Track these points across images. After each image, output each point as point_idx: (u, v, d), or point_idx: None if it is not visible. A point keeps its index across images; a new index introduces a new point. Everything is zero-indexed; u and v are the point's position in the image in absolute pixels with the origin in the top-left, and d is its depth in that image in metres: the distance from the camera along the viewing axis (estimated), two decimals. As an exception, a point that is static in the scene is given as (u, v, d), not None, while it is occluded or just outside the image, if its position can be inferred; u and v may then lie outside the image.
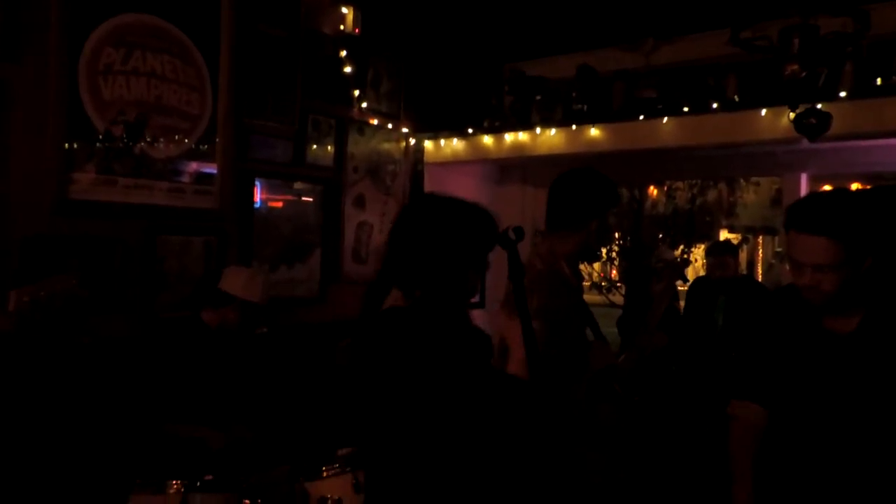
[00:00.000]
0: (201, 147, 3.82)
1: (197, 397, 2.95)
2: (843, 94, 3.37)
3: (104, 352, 3.17)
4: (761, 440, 1.97)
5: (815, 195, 1.92)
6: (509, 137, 4.72)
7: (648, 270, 7.73)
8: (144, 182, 3.53)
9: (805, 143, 3.51)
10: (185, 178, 3.74)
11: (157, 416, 2.87)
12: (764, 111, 3.65)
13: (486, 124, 4.84)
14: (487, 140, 4.83)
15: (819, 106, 3.37)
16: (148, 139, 3.54)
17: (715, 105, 3.81)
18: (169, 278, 3.62)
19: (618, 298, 10.05)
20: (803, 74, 3.29)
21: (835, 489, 1.84)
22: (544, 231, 2.49)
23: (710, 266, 4.88)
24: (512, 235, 1.56)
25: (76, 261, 3.18)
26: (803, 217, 1.79)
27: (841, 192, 1.97)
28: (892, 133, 3.60)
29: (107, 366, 3.15)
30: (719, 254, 4.83)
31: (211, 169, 3.85)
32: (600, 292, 10.91)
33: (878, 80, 3.33)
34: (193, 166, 3.79)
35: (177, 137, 3.69)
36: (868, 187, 5.04)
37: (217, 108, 3.84)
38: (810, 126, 3.23)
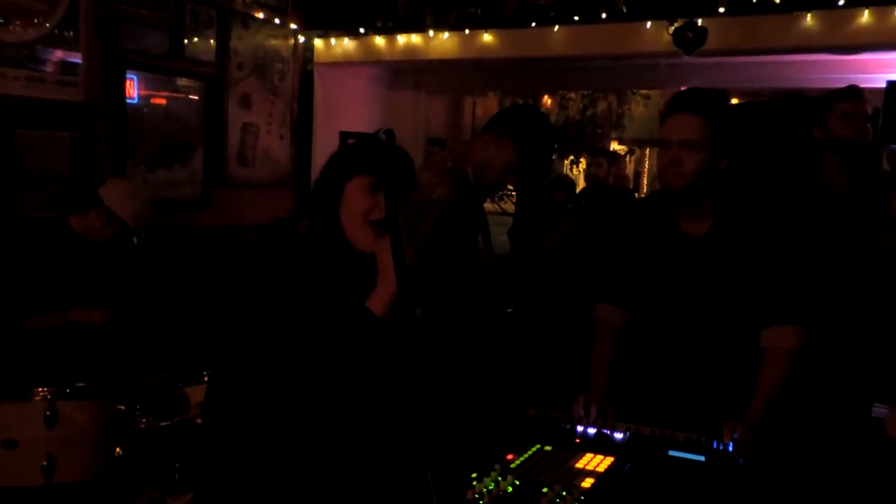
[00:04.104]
0: (65, 33, 3.50)
1: (65, 301, 2.80)
2: (721, 9, 3.47)
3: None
4: (623, 335, 2.14)
5: (692, 88, 2.04)
6: (402, 39, 4.59)
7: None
8: (-4, 69, 3.22)
9: (686, 57, 3.61)
10: (47, 67, 3.44)
11: (16, 316, 2.70)
12: (649, 24, 3.72)
13: (378, 24, 4.67)
14: (379, 41, 4.67)
15: (699, 22, 3.45)
16: (0, 19, 3.20)
17: (604, 15, 3.84)
18: (31, 176, 3.37)
19: (510, 207, 10.28)
20: (683, -12, 3.36)
21: (683, 373, 2.04)
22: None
23: (587, 165, 5.35)
24: (382, 137, 1.54)
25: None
26: (680, 99, 1.96)
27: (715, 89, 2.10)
28: (767, 50, 3.76)
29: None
30: (593, 154, 5.37)
31: (75, 58, 3.54)
32: (492, 200, 11.09)
33: (755, -2, 3.44)
34: (56, 54, 3.48)
35: (35, 20, 3.35)
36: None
37: (79, -12, 3.50)
38: (687, 40, 3.33)
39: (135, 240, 3.04)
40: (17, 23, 3.27)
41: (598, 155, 5.29)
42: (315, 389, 1.55)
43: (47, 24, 3.40)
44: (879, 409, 2.48)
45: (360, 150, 1.64)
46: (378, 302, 1.52)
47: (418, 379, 1.45)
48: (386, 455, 1.57)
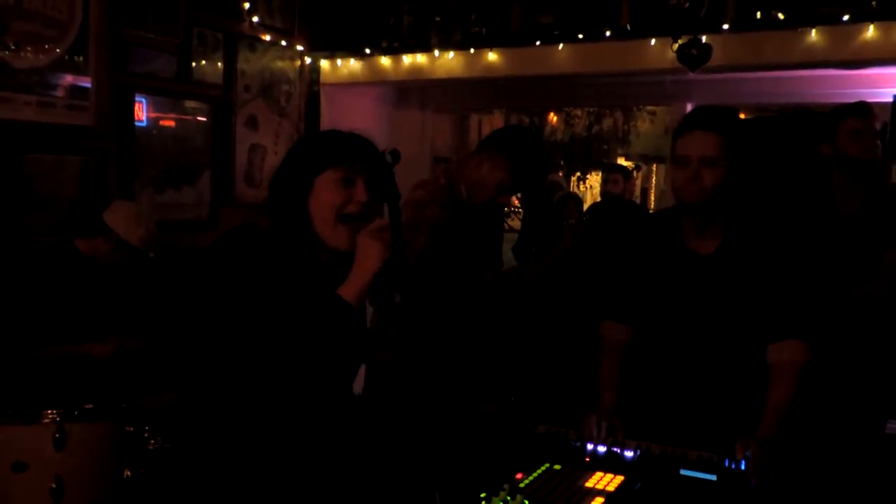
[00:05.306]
0: (75, 59, 3.54)
1: (73, 326, 2.81)
2: (725, 26, 3.47)
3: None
4: (629, 352, 2.13)
5: (706, 106, 2.06)
6: (407, 59, 4.62)
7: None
8: (7, 95, 3.24)
9: (691, 74, 3.62)
10: (57, 92, 3.48)
11: (26, 343, 2.71)
12: (653, 41, 3.73)
13: (384, 45, 4.71)
14: (385, 61, 4.71)
15: (704, 39, 3.46)
16: (12, 46, 3.25)
17: (608, 33, 3.85)
18: (42, 199, 3.39)
19: (516, 224, 10.31)
20: (687, 5, 3.37)
21: (690, 389, 2.04)
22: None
23: (602, 182, 5.36)
24: (388, 158, 1.56)
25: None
26: (698, 117, 2.01)
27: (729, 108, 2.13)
28: (771, 66, 3.76)
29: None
30: (609, 171, 5.43)
31: (85, 82, 3.58)
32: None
33: (759, 14, 3.43)
34: (66, 79, 3.52)
35: (46, 47, 3.39)
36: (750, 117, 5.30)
37: (88, 14, 3.54)
38: (691, 57, 3.34)
39: (149, 255, 3.06)
40: (29, 49, 3.31)
41: (614, 172, 5.31)
42: (290, 383, 1.54)
43: (58, 50, 3.45)
44: (894, 426, 2.46)
45: (331, 142, 1.61)
46: (351, 290, 1.50)
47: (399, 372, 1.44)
48: (393, 474, 1.57)
